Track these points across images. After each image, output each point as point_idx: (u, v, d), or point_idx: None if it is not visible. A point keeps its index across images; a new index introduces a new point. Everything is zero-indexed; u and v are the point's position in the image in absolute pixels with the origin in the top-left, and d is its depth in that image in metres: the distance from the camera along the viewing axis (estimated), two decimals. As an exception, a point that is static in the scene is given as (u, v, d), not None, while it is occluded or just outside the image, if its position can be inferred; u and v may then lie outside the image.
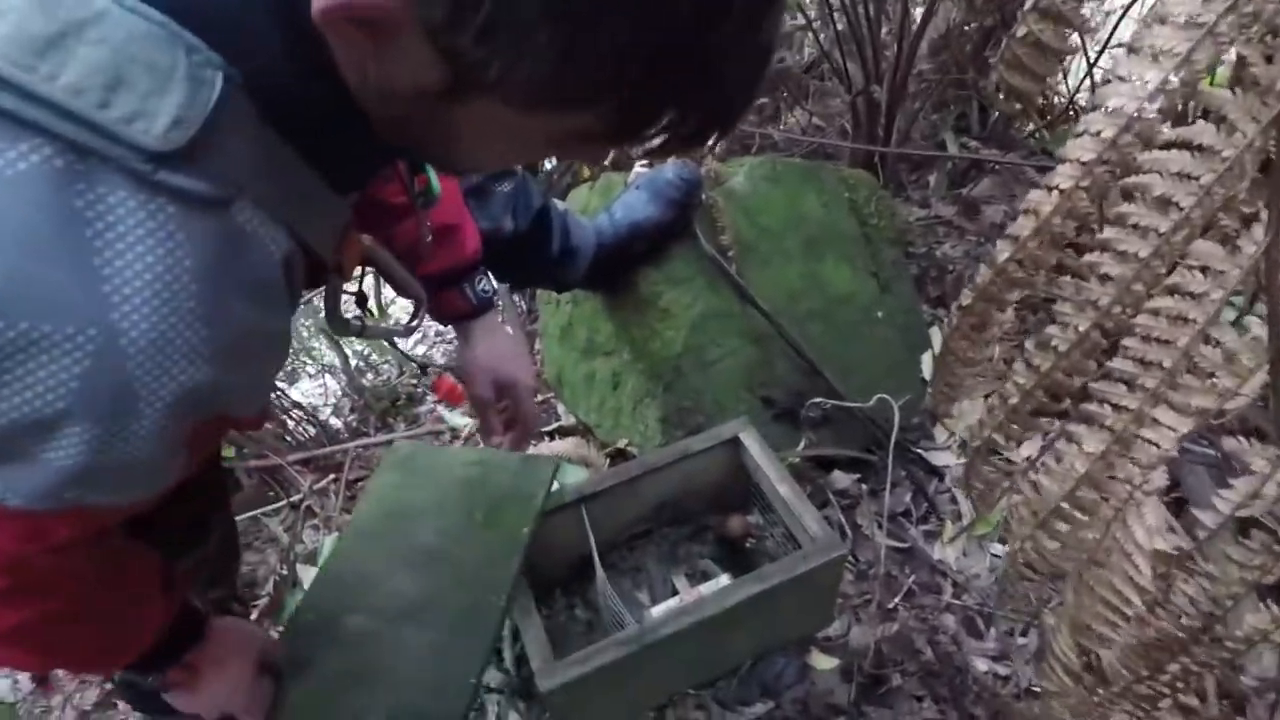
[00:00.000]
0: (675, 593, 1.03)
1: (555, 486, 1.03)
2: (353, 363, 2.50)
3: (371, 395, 2.39)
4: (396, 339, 0.85)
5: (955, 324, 0.65)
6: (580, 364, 1.43)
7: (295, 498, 1.50)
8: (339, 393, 2.55)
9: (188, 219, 0.40)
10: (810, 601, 1.00)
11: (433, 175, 0.71)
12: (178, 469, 0.49)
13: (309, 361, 2.68)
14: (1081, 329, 0.54)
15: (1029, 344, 0.58)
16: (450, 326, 0.95)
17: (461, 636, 0.84)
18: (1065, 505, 0.59)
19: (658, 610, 0.92)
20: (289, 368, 2.54)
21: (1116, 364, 0.54)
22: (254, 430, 1.50)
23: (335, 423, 2.51)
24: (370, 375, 2.54)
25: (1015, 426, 0.63)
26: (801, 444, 1.24)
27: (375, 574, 0.91)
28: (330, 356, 2.57)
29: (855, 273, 1.39)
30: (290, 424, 2.13)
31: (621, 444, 1.31)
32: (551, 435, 1.51)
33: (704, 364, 1.21)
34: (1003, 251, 0.57)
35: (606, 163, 1.50)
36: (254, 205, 0.44)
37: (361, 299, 0.75)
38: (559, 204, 1.22)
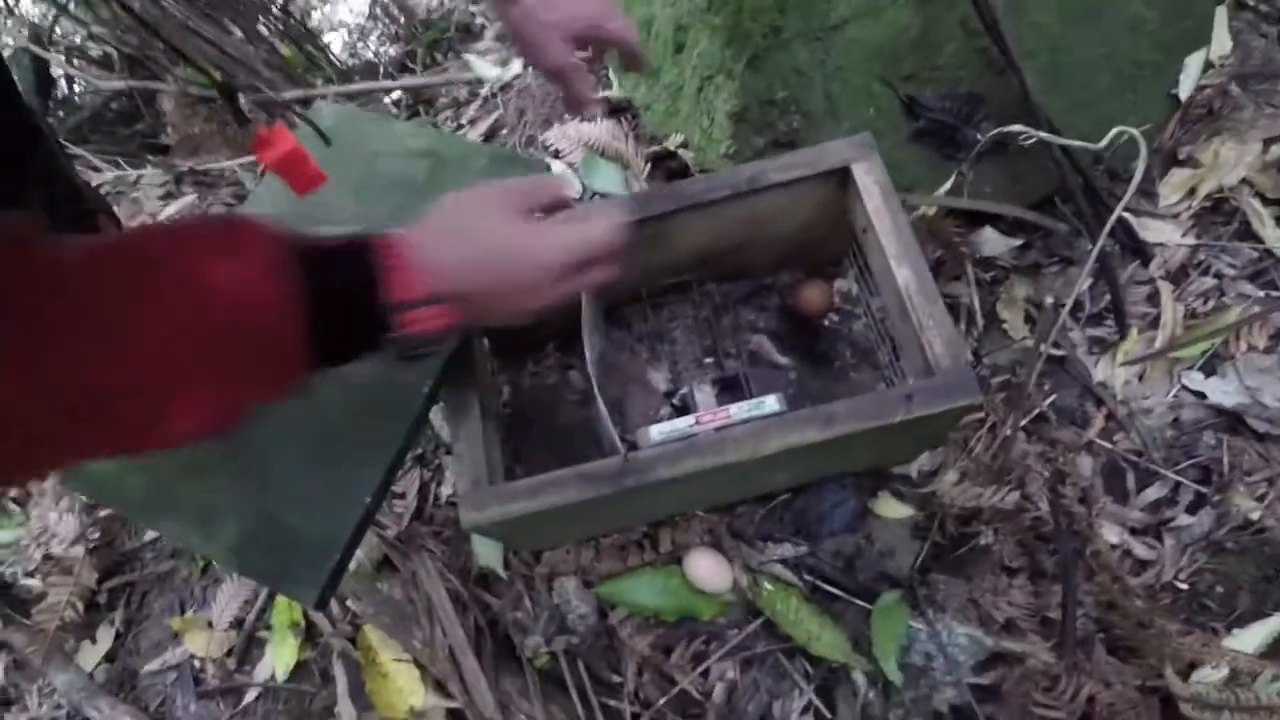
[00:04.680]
0: (688, 410, 0.69)
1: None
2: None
3: (417, 24, 1.90)
4: None
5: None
6: (635, 6, 0.93)
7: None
8: (366, 14, 2.05)
9: None
10: (895, 441, 0.66)
11: None
12: None
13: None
14: None
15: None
16: None
17: (351, 433, 0.56)
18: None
19: (657, 432, 0.61)
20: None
21: None
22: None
23: (366, 54, 2.08)
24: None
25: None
26: (949, 182, 0.78)
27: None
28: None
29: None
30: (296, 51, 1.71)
31: (674, 143, 0.89)
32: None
33: (822, 28, 0.72)
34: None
35: None
36: None
37: None
38: None
